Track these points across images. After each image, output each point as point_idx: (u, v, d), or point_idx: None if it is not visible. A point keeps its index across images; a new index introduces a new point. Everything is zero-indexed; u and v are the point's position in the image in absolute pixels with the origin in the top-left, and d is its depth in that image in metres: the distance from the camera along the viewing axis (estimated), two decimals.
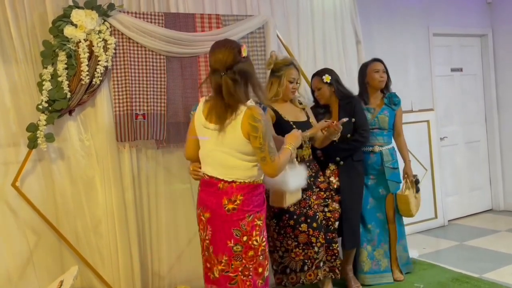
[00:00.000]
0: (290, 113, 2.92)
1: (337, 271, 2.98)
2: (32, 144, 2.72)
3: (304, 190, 2.83)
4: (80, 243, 2.93)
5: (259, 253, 2.05)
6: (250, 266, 2.03)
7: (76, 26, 2.76)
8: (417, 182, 3.34)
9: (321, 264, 2.84)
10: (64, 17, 2.75)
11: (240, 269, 2.03)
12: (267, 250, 2.12)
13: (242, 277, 2.03)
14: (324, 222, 2.93)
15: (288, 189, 2.30)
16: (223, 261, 2.05)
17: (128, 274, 2.99)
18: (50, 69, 2.73)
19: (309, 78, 3.38)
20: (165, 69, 3.05)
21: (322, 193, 2.95)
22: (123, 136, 2.94)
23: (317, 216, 2.86)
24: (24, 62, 2.76)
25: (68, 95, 2.76)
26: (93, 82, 2.82)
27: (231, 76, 1.95)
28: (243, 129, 1.97)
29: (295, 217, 2.81)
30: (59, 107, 2.74)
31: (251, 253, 2.03)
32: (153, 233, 3.16)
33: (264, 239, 2.07)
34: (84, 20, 2.76)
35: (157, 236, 3.17)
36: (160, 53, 3.04)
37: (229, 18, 3.28)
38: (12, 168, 2.74)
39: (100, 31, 2.84)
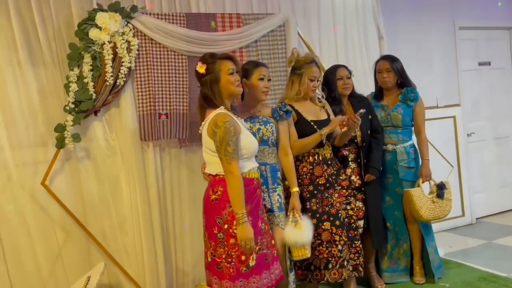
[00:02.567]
0: (310, 112, 2.91)
1: (360, 268, 2.96)
2: (60, 144, 2.80)
3: (326, 189, 2.83)
4: (106, 240, 3.01)
5: None
6: (233, 253, 2.17)
7: (100, 28, 2.82)
8: (441, 187, 3.18)
9: (345, 263, 2.83)
10: (89, 20, 2.82)
11: (223, 256, 2.19)
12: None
13: (225, 263, 2.18)
14: (346, 220, 2.91)
15: (288, 243, 2.53)
16: (211, 246, 2.23)
17: (153, 271, 3.06)
18: (76, 71, 2.81)
19: None
20: (187, 69, 3.09)
21: (344, 191, 2.93)
22: (147, 135, 2.99)
23: (340, 214, 2.84)
24: (51, 65, 2.85)
25: (94, 96, 2.83)
26: (117, 83, 2.89)
27: (201, 89, 2.31)
28: (208, 131, 2.19)
29: (317, 215, 2.81)
30: (85, 107, 2.82)
31: (232, 240, 2.16)
32: (177, 230, 3.21)
33: None
34: (108, 23, 2.82)
35: (181, 233, 3.23)
36: (182, 53, 3.08)
37: (250, 17, 3.29)
38: (41, 168, 2.83)
39: (123, 33, 2.89)
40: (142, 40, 2.99)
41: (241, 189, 2.14)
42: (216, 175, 2.23)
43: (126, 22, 2.92)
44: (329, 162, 2.88)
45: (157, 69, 3.02)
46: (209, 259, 2.26)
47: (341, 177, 2.94)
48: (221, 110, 2.21)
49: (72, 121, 2.80)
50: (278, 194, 2.65)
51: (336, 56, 3.65)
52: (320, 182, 2.83)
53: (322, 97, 3.02)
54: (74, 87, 2.79)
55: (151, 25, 2.98)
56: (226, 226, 2.19)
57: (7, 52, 2.75)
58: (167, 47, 3.04)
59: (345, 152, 3.11)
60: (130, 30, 2.92)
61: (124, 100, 2.98)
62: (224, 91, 2.25)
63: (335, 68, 3.18)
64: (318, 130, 2.79)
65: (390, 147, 3.24)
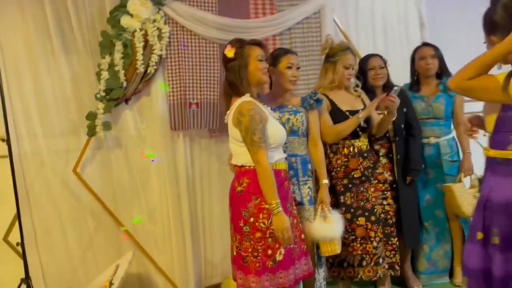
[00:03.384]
0: (345, 102, 2.78)
1: (396, 266, 2.82)
2: (91, 132, 2.80)
3: (361, 182, 2.69)
4: (136, 229, 2.99)
5: (267, 235, 2.08)
6: (259, 247, 2.09)
7: (132, 15, 2.79)
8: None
9: (381, 260, 2.69)
10: (121, 7, 2.79)
11: (249, 250, 2.11)
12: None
13: (252, 258, 2.11)
14: (382, 215, 2.77)
15: (316, 237, 2.43)
16: (237, 239, 2.15)
17: (182, 261, 3.02)
18: (107, 58, 2.80)
19: None
20: (218, 57, 3.01)
21: (381, 185, 2.79)
22: (177, 125, 2.95)
23: (376, 209, 2.70)
24: (84, 53, 2.85)
25: (124, 84, 2.81)
26: (148, 71, 2.85)
27: (226, 74, 2.21)
28: (233, 120, 2.11)
29: (352, 210, 2.68)
30: (116, 96, 2.80)
31: (258, 234, 2.09)
32: (206, 221, 3.16)
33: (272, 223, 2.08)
34: (140, 10, 2.78)
35: (210, 224, 3.18)
36: (213, 41, 3.00)
37: (284, 3, 3.17)
38: (73, 156, 2.85)
39: (154, 20, 2.85)
40: (173, 27, 2.93)
41: (271, 178, 2.05)
42: (242, 166, 2.15)
43: (157, 9, 2.87)
44: (365, 155, 2.74)
45: (188, 57, 2.96)
46: (235, 253, 2.19)
47: (377, 171, 2.80)
48: (246, 98, 2.12)
49: (103, 109, 2.79)
50: (309, 187, 2.55)
51: (374, 45, 3.47)
52: (355, 176, 2.70)
53: (357, 86, 2.87)
54: (105, 75, 2.77)
55: (182, 12, 2.92)
56: (252, 219, 2.10)
57: (41, 39, 2.77)
58: (198, 34, 2.97)
59: (376, 147, 2.94)
60: (161, 17, 2.87)
61: (155, 88, 2.94)
62: (252, 78, 2.16)
63: (367, 58, 3.04)
64: None
65: (432, 140, 3.05)
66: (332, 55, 2.72)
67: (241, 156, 2.14)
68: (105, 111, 2.80)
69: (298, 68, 2.56)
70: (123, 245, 3.00)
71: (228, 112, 2.19)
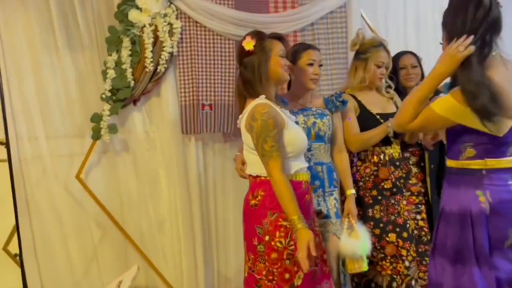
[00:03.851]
0: (376, 104, 2.49)
1: None
2: (96, 135, 2.60)
3: (392, 194, 2.40)
4: (144, 240, 2.78)
5: (285, 257, 1.83)
6: (275, 270, 1.84)
7: (140, 9, 2.58)
8: None
9: (413, 282, 2.38)
10: (129, 1, 2.58)
11: (264, 272, 1.86)
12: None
13: (266, 281, 1.86)
14: (416, 232, 2.47)
15: (343, 253, 2.20)
16: (250, 259, 1.92)
17: (191, 275, 2.79)
18: (114, 56, 2.59)
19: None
20: (234, 55, 2.77)
21: (414, 197, 2.49)
22: (189, 128, 2.72)
23: (408, 225, 2.40)
24: (90, 50, 2.66)
25: (132, 84, 2.59)
26: (158, 70, 2.63)
27: (241, 72, 1.94)
28: (245, 125, 1.88)
29: (381, 225, 2.38)
30: (123, 96, 2.59)
31: (274, 255, 1.84)
32: (220, 232, 2.92)
33: (292, 242, 1.82)
34: (149, 3, 2.57)
35: (224, 235, 2.94)
36: (229, 38, 2.76)
37: None
38: (77, 160, 2.65)
39: (165, 15, 2.63)
40: (186, 22, 2.70)
41: (287, 191, 1.78)
42: (257, 176, 1.90)
43: (168, 3, 2.65)
44: (397, 163, 2.44)
45: (202, 55, 2.73)
46: (246, 274, 1.94)
47: (410, 181, 2.50)
48: (261, 100, 1.86)
49: (109, 110, 2.58)
50: (335, 198, 2.31)
51: (405, 41, 3.17)
52: (385, 186, 2.40)
53: (390, 87, 2.59)
54: (111, 73, 2.57)
55: (195, 6, 2.69)
56: (267, 238, 1.84)
57: (44, 35, 2.58)
58: (213, 30, 2.74)
59: (406, 154, 2.63)
60: (173, 11, 2.64)
61: (165, 88, 2.72)
62: (272, 75, 1.90)
63: (398, 56, 2.74)
64: None
65: None
66: (363, 51, 2.45)
67: (256, 165, 1.89)
68: (111, 113, 2.59)
69: (321, 65, 2.30)
70: (131, 257, 2.78)
71: (241, 115, 1.95)
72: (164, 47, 2.61)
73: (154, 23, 2.61)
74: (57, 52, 2.61)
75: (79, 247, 2.68)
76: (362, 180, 2.44)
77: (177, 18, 2.66)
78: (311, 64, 2.25)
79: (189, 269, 2.79)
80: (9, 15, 2.52)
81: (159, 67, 2.62)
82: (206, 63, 2.74)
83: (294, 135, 1.90)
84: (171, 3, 2.65)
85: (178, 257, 2.79)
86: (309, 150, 2.24)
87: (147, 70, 2.60)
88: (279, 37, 1.97)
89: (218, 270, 2.94)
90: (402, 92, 2.66)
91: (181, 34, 2.68)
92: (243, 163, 2.06)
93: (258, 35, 1.91)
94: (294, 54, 2.28)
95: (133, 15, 2.56)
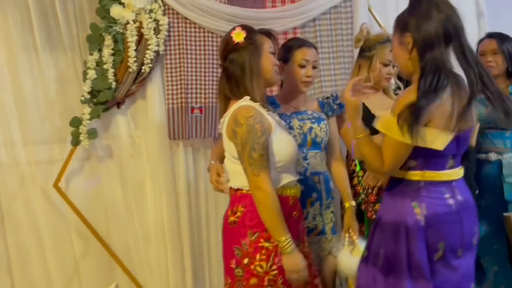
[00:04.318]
0: (382, 107, 2.16)
1: None
2: (76, 140, 2.41)
3: None
4: (129, 253, 2.58)
5: (265, 283, 1.61)
6: None
7: (123, 5, 2.38)
8: None
9: None
10: None
11: None
12: (280, 281, 1.62)
13: None
14: None
15: (344, 273, 2.00)
16: (227, 283, 1.70)
17: None
18: (96, 55, 2.40)
19: None
20: None
21: None
22: (177, 133, 2.51)
23: None
24: (72, 49, 2.48)
25: (113, 85, 2.39)
26: (143, 70, 2.43)
27: (225, 68, 1.69)
28: (228, 131, 1.65)
29: None
30: (104, 98, 2.40)
31: (253, 281, 1.61)
32: (212, 245, 2.69)
33: (274, 267, 1.61)
34: None
35: (218, 249, 2.66)
36: (221, 35, 2.51)
37: None
38: (57, 167, 2.46)
39: (151, 10, 2.43)
40: (174, 19, 2.50)
41: (276, 209, 1.57)
42: (238, 189, 1.67)
43: None
44: None
45: (191, 54, 2.52)
46: None
47: None
48: (244, 101, 1.63)
49: (89, 114, 2.39)
50: (332, 211, 2.10)
51: None
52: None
53: (399, 88, 2.31)
54: (91, 74, 2.38)
55: (185, 0, 2.48)
56: (246, 261, 1.61)
57: (21, 33, 2.41)
58: (203, 27, 2.52)
59: None
60: (160, 7, 2.44)
61: (151, 90, 2.52)
62: (263, 73, 1.68)
63: (483, 38, 2.48)
64: None
65: (492, 156, 2.41)
66: (368, 48, 2.19)
67: (238, 176, 1.66)
68: (92, 116, 2.40)
69: (315, 67, 2.05)
70: (116, 272, 2.58)
71: (222, 120, 1.72)
72: (149, 45, 2.41)
73: (139, 19, 2.42)
74: (36, 52, 2.44)
75: (59, 262, 2.50)
76: (365, 192, 2.17)
77: (164, 14, 2.46)
78: (303, 66, 2.01)
79: (176, 285, 2.57)
80: None
81: (143, 67, 2.42)
82: (195, 62, 2.53)
83: (283, 143, 1.66)
84: None
85: (165, 271, 2.58)
86: (305, 158, 2.02)
87: (130, 70, 2.40)
88: (268, 33, 1.75)
89: (210, 285, 2.71)
90: None
91: (168, 31, 2.48)
92: (219, 174, 1.83)
93: (248, 28, 1.70)
94: (286, 51, 2.05)
95: (115, 11, 2.37)
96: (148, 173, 2.56)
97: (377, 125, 1.48)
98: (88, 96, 2.38)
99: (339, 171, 2.12)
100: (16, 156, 2.42)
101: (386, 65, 2.15)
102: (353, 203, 2.07)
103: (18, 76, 2.43)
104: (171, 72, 2.51)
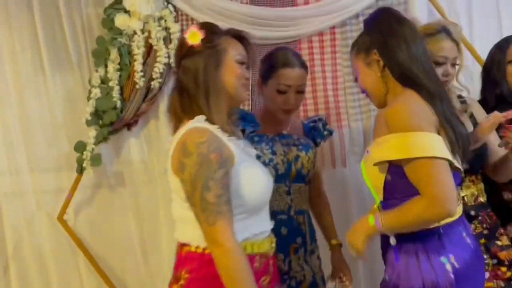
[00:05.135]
0: None
1: None
2: (80, 167, 2.16)
3: None
4: None
5: None
6: None
7: (129, 13, 2.11)
8: None
9: None
10: (116, 4, 2.13)
11: None
12: None
13: None
14: None
15: None
16: None
17: None
18: (101, 71, 2.15)
19: (483, 55, 1.99)
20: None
21: (505, 269, 1.58)
22: None
23: None
24: (80, 67, 2.26)
25: (119, 104, 2.11)
26: (152, 86, 2.12)
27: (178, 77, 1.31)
28: (173, 163, 1.21)
29: None
30: (109, 120, 2.13)
31: None
32: None
33: None
34: (138, 5, 2.08)
35: None
36: None
37: None
38: (64, 198, 2.23)
39: (161, 18, 2.13)
40: (188, 26, 2.17)
41: (242, 272, 1.13)
42: (184, 245, 1.25)
43: (166, 3, 2.14)
44: (473, 213, 1.57)
45: None
46: None
47: (497, 242, 1.60)
48: (197, 123, 1.21)
49: (94, 137, 2.13)
50: (318, 257, 1.74)
51: (499, 29, 2.23)
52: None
53: (460, 96, 1.74)
54: (95, 92, 2.13)
55: (200, 3, 2.14)
56: None
57: (28, 53, 2.24)
58: None
59: (509, 195, 1.71)
60: (171, 12, 2.13)
61: (164, 109, 2.18)
62: (224, 88, 1.26)
63: (506, 43, 1.83)
64: None
65: None
66: None
67: (186, 226, 1.24)
68: (97, 140, 2.15)
69: (300, 92, 1.64)
70: None
71: (170, 145, 1.29)
72: (158, 57, 2.11)
73: (147, 28, 2.13)
74: (43, 72, 2.25)
75: None
76: None
77: (176, 21, 2.15)
78: (282, 92, 1.61)
79: None
80: None
81: (153, 83, 2.12)
82: None
83: (252, 178, 1.22)
84: (168, 3, 2.14)
85: None
86: (288, 193, 1.63)
87: (137, 86, 2.11)
88: (239, 36, 1.33)
89: None
90: (506, 97, 1.77)
91: None
92: None
93: (209, 27, 1.30)
94: (266, 68, 1.67)
95: (120, 20, 2.10)
96: (162, 202, 2.23)
97: (384, 154, 1.20)
98: (90, 118, 2.12)
99: (324, 207, 1.79)
100: (22, 185, 2.23)
101: (439, 63, 1.60)
102: (340, 240, 1.68)
103: (24, 99, 2.26)
104: None
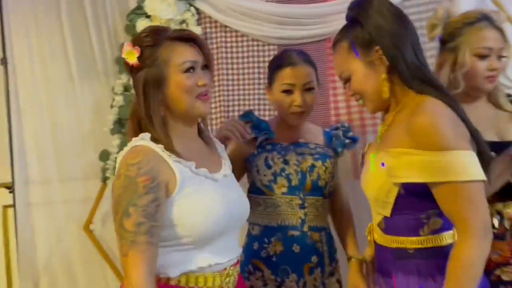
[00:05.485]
0: (488, 124, 1.41)
1: None
2: (104, 177, 2.12)
3: None
4: None
5: None
6: None
7: (150, 17, 2.05)
8: None
9: None
10: (138, 9, 2.08)
11: None
12: None
13: None
14: None
15: None
16: None
17: None
18: (124, 79, 2.10)
19: None
20: None
21: None
22: None
23: None
24: (106, 75, 2.23)
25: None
26: None
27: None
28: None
29: None
30: None
31: None
32: None
33: None
34: (159, 9, 2.01)
35: None
36: (270, 42, 2.04)
37: None
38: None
39: (183, 21, 2.05)
40: (211, 28, 2.09)
41: None
42: None
43: (188, 6, 2.06)
44: None
45: (233, 69, 2.07)
46: None
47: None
48: (139, 141, 1.11)
49: (117, 146, 2.09)
50: (338, 280, 1.55)
51: None
52: (503, 277, 1.34)
53: None
54: (118, 100, 2.09)
55: (223, 4, 2.04)
56: None
57: (58, 62, 2.24)
58: (246, 34, 2.05)
59: None
60: (193, 15, 2.05)
61: None
62: (174, 104, 1.13)
63: None
64: None
65: None
66: (450, 36, 1.43)
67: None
68: (121, 149, 2.08)
69: (310, 89, 1.49)
70: None
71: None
72: None
73: None
74: (72, 81, 2.24)
75: None
76: None
77: (198, 24, 2.06)
78: (288, 91, 1.47)
79: None
80: (22, 44, 2.24)
81: None
82: (238, 78, 2.08)
83: (194, 207, 1.08)
84: (191, 5, 2.06)
85: None
86: (302, 207, 1.48)
87: None
88: (187, 38, 1.16)
89: None
90: None
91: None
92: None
93: (148, 37, 1.13)
94: (270, 71, 1.55)
95: (141, 25, 2.04)
96: None
97: (411, 174, 1.04)
98: (114, 126, 2.08)
99: (346, 221, 1.59)
100: (52, 194, 2.24)
101: (483, 56, 1.36)
102: (361, 255, 1.44)
103: (55, 107, 2.25)
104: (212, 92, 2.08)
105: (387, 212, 1.11)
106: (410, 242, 1.08)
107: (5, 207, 2.31)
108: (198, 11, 2.06)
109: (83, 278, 2.24)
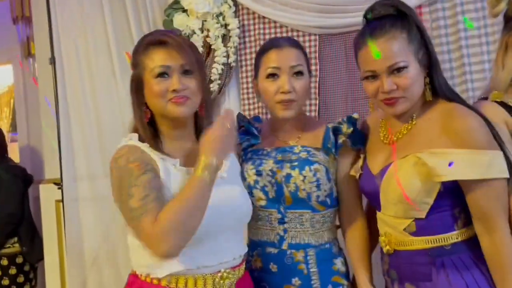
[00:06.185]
0: None
1: None
2: None
3: None
4: None
5: None
6: None
7: (187, 12, 2.00)
8: None
9: None
10: (175, 4, 2.03)
11: None
12: None
13: None
14: None
15: None
16: None
17: None
18: None
19: None
20: (316, 56, 1.90)
21: None
22: None
23: None
24: None
25: None
26: (212, 88, 1.99)
27: None
28: None
29: None
30: None
31: None
32: None
33: None
34: (195, 2, 1.95)
35: None
36: (310, 32, 1.91)
37: None
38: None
39: (219, 14, 1.97)
40: (249, 20, 1.99)
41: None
42: (131, 272, 1.22)
43: None
44: None
45: None
46: None
47: None
48: (129, 140, 1.19)
49: None
50: None
51: None
52: None
53: None
54: None
55: None
56: None
57: (101, 58, 2.26)
58: (286, 25, 1.94)
59: None
60: (230, 7, 1.97)
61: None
62: (151, 107, 1.20)
63: None
64: None
65: None
66: None
67: (130, 249, 1.21)
68: None
69: (298, 73, 1.31)
70: None
71: None
72: (215, 57, 1.96)
73: (206, 27, 1.99)
74: (115, 77, 2.25)
75: None
76: None
77: (236, 17, 1.98)
78: (272, 75, 1.30)
79: None
80: (67, 40, 2.29)
81: (212, 85, 1.98)
82: None
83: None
84: None
85: None
86: (281, 221, 1.31)
87: None
88: (158, 41, 1.17)
89: None
90: None
91: (243, 37, 1.97)
92: None
93: (137, 42, 1.23)
94: (256, 60, 1.40)
95: (178, 20, 2.01)
96: None
97: (458, 172, 1.07)
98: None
99: (356, 238, 1.34)
100: (98, 190, 2.29)
101: None
102: (365, 275, 1.29)
103: (99, 103, 2.29)
104: (248, 89, 2.00)
105: (423, 214, 1.12)
106: (447, 239, 1.12)
107: (57, 201, 2.40)
108: (235, 3, 1.98)
109: (126, 273, 2.28)
